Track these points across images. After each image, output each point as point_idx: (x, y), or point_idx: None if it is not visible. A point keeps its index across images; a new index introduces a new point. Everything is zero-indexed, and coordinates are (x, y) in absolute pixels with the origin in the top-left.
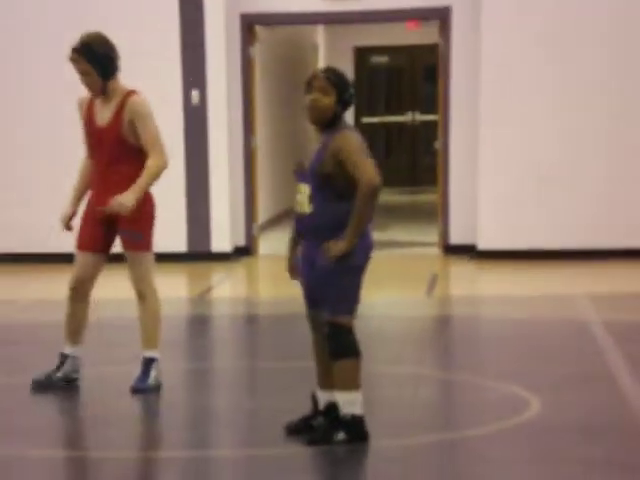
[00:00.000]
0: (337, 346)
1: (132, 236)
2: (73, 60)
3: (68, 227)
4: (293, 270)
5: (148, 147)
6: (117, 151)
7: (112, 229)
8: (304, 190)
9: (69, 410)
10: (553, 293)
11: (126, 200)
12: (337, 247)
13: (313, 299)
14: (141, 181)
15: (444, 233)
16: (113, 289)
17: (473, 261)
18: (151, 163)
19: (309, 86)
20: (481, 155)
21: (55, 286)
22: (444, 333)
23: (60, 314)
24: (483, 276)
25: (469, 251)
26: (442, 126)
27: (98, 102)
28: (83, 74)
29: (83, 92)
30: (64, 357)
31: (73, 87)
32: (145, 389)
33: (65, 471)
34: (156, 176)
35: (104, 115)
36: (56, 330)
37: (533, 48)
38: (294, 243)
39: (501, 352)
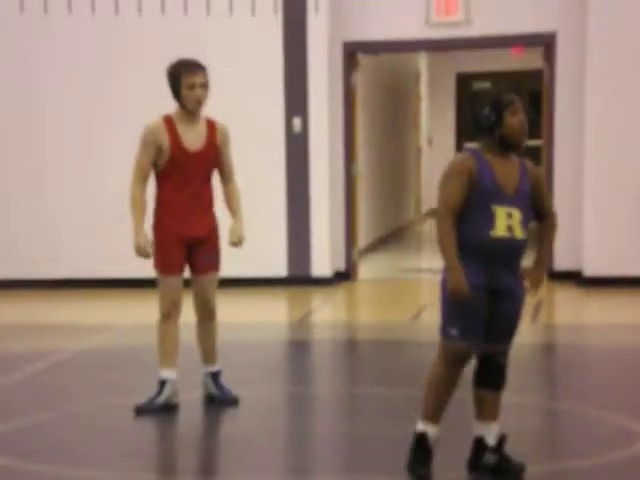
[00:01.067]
0: (505, 377)
1: (215, 258)
2: (201, 77)
3: (148, 254)
4: (466, 288)
5: (231, 172)
6: (208, 175)
7: (187, 253)
8: (512, 213)
9: (169, 434)
10: None
11: (243, 233)
12: (541, 276)
13: (501, 332)
14: (239, 209)
15: (548, 259)
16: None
17: (579, 288)
18: (236, 188)
19: (515, 109)
20: (586, 181)
21: (147, 310)
22: (548, 361)
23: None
24: (589, 303)
25: (574, 277)
26: (546, 152)
27: (180, 127)
28: (204, 87)
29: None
30: (163, 382)
31: None
32: (233, 399)
33: None
34: None
35: (195, 140)
36: (154, 353)
37: None
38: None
39: (608, 381)
